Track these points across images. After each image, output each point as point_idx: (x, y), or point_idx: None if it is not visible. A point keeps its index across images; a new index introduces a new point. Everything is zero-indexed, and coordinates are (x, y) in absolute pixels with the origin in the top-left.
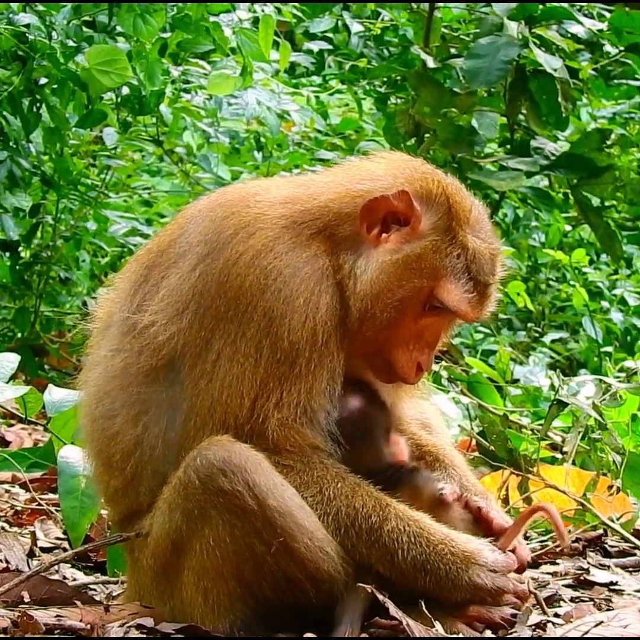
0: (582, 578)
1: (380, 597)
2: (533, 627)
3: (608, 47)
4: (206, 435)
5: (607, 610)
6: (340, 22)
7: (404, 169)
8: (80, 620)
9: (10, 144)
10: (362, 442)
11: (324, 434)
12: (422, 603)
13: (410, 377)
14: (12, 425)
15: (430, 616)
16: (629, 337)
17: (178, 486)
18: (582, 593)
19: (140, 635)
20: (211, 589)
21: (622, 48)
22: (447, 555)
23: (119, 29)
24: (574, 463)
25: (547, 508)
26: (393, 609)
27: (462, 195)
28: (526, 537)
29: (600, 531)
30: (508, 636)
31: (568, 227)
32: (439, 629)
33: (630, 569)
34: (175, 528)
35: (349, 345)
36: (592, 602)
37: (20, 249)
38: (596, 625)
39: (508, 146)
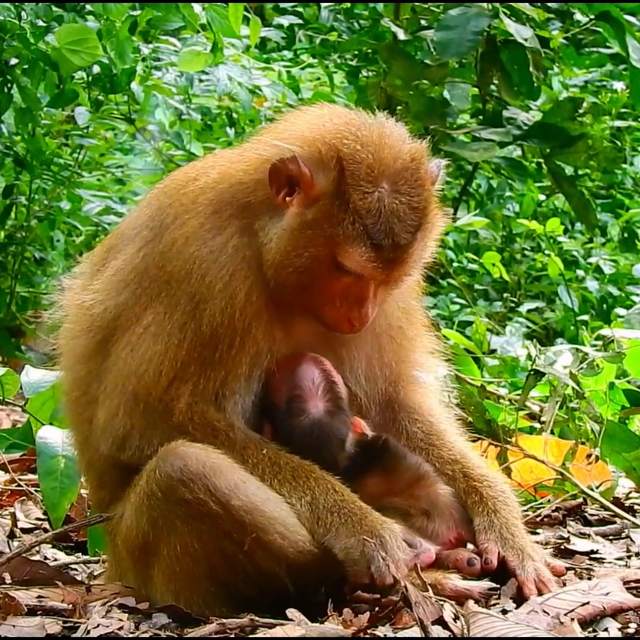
0: (562, 547)
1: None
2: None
3: (578, 16)
4: (114, 403)
5: (588, 579)
6: None
7: (311, 128)
8: (62, 601)
9: None
10: (323, 449)
11: (230, 416)
12: (418, 566)
13: (343, 330)
14: None
15: (424, 580)
16: (605, 305)
17: (142, 495)
18: (563, 562)
19: (122, 614)
20: (182, 590)
21: (592, 16)
22: (367, 509)
23: (88, 7)
24: (552, 432)
25: None
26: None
27: (371, 151)
28: None
29: (580, 500)
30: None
31: (542, 197)
32: (430, 592)
33: (611, 537)
34: (143, 532)
35: (285, 308)
36: (573, 571)
37: None
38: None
39: (480, 117)
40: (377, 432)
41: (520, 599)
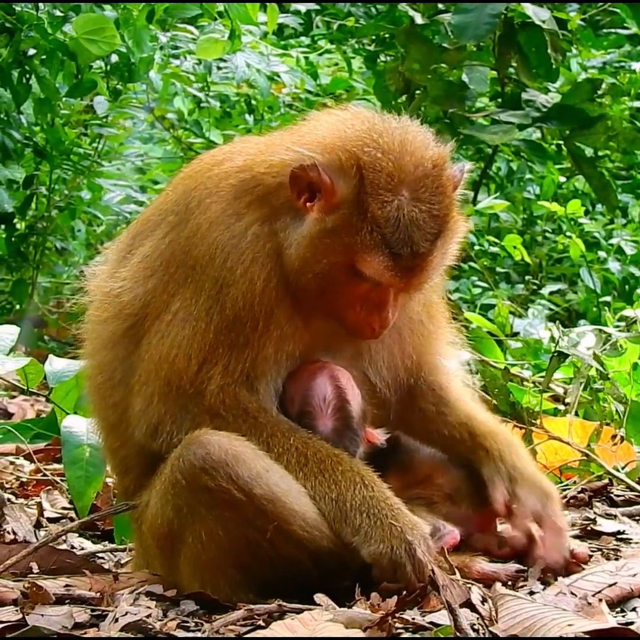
0: (589, 528)
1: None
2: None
3: None
4: (149, 390)
5: (615, 559)
6: None
7: (333, 134)
8: (90, 589)
9: (1, 116)
10: None
11: (262, 398)
12: (446, 550)
13: (363, 335)
14: (14, 397)
15: (451, 563)
16: (627, 286)
17: (167, 483)
18: (589, 543)
19: (150, 602)
20: (209, 577)
21: None
22: (397, 508)
23: None
24: (576, 414)
25: None
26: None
27: (392, 159)
28: None
29: (606, 481)
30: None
31: (562, 179)
32: (458, 575)
33: (637, 518)
34: (168, 520)
35: (307, 306)
36: (600, 552)
37: (15, 221)
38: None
39: (499, 100)
40: (391, 433)
41: (546, 579)
